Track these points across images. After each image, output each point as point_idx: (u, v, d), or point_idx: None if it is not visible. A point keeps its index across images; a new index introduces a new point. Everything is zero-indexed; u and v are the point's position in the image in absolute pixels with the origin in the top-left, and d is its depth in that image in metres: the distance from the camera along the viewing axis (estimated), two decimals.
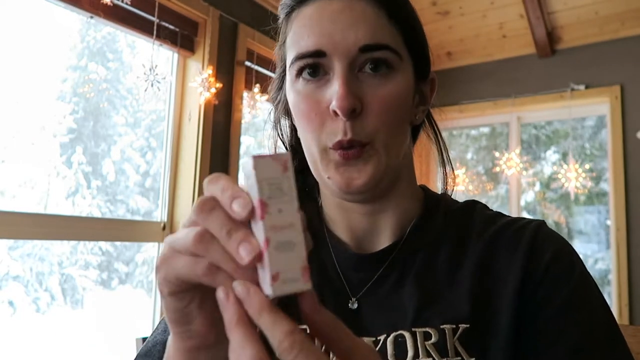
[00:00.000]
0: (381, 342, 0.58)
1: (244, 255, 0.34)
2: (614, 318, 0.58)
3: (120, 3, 2.08)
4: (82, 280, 2.99)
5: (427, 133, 0.73)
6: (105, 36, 2.97)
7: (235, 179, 2.66)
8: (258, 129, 3.78)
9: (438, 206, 0.68)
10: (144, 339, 1.31)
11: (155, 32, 2.22)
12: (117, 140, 3.14)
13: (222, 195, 0.36)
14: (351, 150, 0.57)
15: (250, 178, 0.35)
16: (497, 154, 3.45)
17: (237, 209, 0.35)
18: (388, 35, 0.59)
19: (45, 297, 2.82)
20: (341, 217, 0.67)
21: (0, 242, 2.44)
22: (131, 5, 2.11)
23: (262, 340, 0.33)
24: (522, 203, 3.78)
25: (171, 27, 2.35)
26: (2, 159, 2.29)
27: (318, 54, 0.58)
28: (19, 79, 2.25)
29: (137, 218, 3.09)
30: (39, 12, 2.19)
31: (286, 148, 0.74)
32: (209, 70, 2.39)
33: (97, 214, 2.94)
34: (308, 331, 0.36)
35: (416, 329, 0.58)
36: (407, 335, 0.57)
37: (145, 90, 2.05)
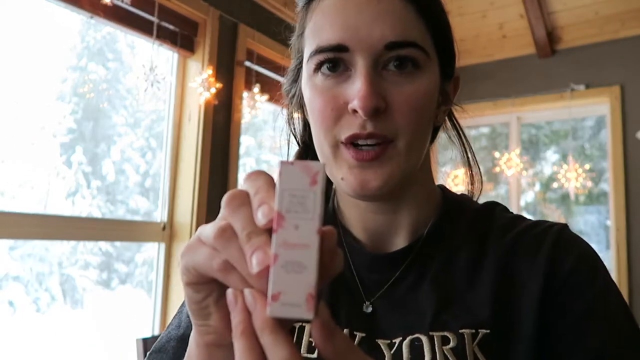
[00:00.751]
0: (396, 345, 0.57)
1: (254, 263, 0.32)
2: (637, 325, 0.56)
3: (120, 3, 2.08)
4: (82, 280, 2.99)
5: (448, 134, 0.70)
6: (105, 36, 2.97)
7: (235, 179, 2.64)
8: (258, 129, 3.78)
9: (457, 208, 0.66)
10: (144, 339, 1.31)
11: (155, 32, 2.23)
12: (117, 140, 3.14)
13: (254, 196, 0.35)
14: (367, 151, 0.54)
15: (276, 184, 0.33)
16: (497, 154, 3.45)
17: (260, 216, 0.33)
18: (416, 31, 0.55)
19: (45, 297, 2.82)
20: (356, 215, 0.65)
21: (0, 242, 2.44)
22: (131, 5, 2.11)
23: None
24: (522, 203, 3.78)
25: (171, 27, 2.35)
26: (2, 159, 2.29)
27: (340, 48, 0.54)
28: (18, 79, 2.25)
29: (137, 218, 3.09)
30: (39, 12, 2.19)
31: (298, 144, 0.71)
32: (209, 71, 2.39)
33: (97, 214, 2.94)
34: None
35: (434, 333, 0.56)
36: (424, 339, 0.56)
37: (145, 90, 2.05)
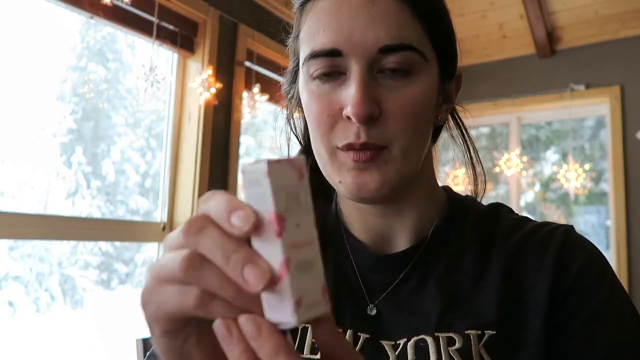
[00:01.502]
0: (401, 346, 0.56)
1: (253, 281, 0.29)
2: None
3: (120, 3, 2.08)
4: (82, 280, 2.99)
5: (450, 133, 0.69)
6: (105, 36, 2.97)
7: (235, 179, 2.63)
8: (258, 129, 3.78)
9: (462, 209, 0.65)
10: (144, 340, 1.31)
11: (155, 33, 2.23)
12: (117, 140, 3.14)
13: (216, 211, 0.31)
14: (364, 152, 0.54)
15: (258, 186, 0.30)
16: (497, 154, 3.45)
17: (238, 223, 0.29)
18: (412, 33, 0.54)
19: (45, 298, 2.82)
20: (358, 218, 0.65)
21: (0, 243, 2.44)
22: (131, 5, 2.11)
23: None
24: (522, 203, 3.78)
25: (171, 27, 2.35)
26: (2, 159, 2.29)
27: (334, 52, 0.54)
28: (18, 79, 2.25)
29: (137, 218, 3.09)
30: (39, 12, 2.19)
31: (300, 143, 0.71)
32: (209, 71, 2.39)
33: (97, 214, 2.94)
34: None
35: (439, 334, 0.55)
36: (429, 340, 0.55)
37: (145, 90, 2.05)
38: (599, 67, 3.25)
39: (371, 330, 0.59)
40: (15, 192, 2.43)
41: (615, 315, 0.55)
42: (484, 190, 0.70)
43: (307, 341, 0.59)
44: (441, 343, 0.55)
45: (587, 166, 3.17)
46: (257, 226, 0.30)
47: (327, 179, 0.60)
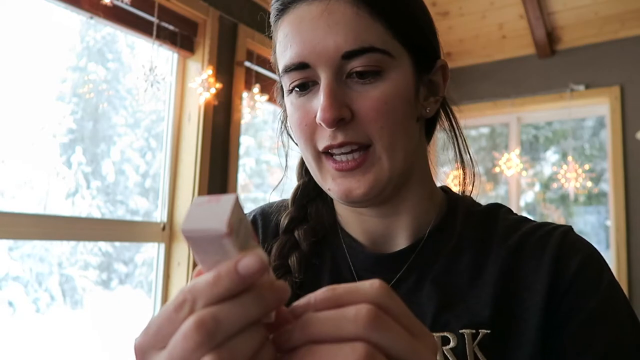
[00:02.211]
0: None
1: (245, 268, 0.31)
2: None
3: (120, 3, 2.08)
4: (81, 280, 2.99)
5: (444, 128, 0.69)
6: (105, 36, 2.97)
7: (235, 179, 2.62)
8: (258, 129, 3.78)
9: (460, 208, 0.65)
10: None
11: (155, 33, 2.22)
12: (117, 140, 3.14)
13: (200, 285, 0.31)
14: (347, 161, 0.56)
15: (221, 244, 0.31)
16: (496, 155, 3.45)
17: (247, 267, 0.31)
18: (373, 35, 0.55)
19: (45, 298, 2.82)
20: (354, 219, 0.66)
21: (0, 243, 2.44)
22: (131, 5, 2.11)
23: None
24: (522, 203, 3.78)
25: (171, 27, 2.35)
26: (2, 159, 2.29)
27: (302, 65, 0.56)
28: (18, 79, 2.25)
29: (137, 218, 3.09)
30: (38, 12, 2.19)
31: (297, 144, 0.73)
32: (209, 71, 2.39)
33: (96, 214, 2.94)
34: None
35: (434, 334, 0.56)
36: None
37: (145, 90, 2.05)
38: (598, 68, 3.25)
39: None
40: (15, 192, 2.43)
41: (612, 317, 0.55)
42: (471, 191, 0.70)
43: None
44: None
45: (587, 166, 3.17)
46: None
47: (319, 184, 0.61)
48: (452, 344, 0.55)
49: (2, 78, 2.14)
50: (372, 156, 0.56)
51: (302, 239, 0.65)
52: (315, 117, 0.56)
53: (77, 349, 2.77)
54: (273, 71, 0.65)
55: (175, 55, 2.48)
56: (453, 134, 0.68)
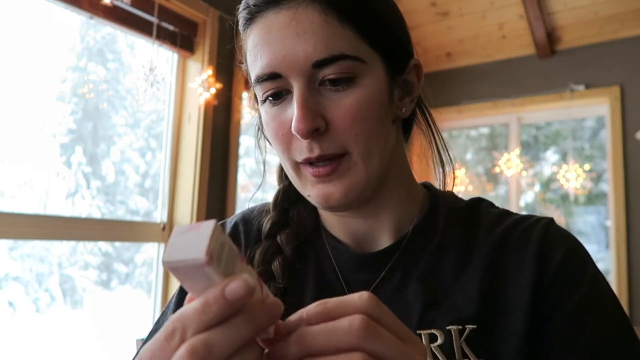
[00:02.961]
0: None
1: (232, 293, 0.31)
2: (627, 317, 0.57)
3: (120, 3, 2.08)
4: (81, 280, 2.99)
5: (421, 128, 0.68)
6: (104, 36, 2.97)
7: (234, 179, 2.62)
8: None
9: (442, 204, 0.66)
10: (144, 340, 1.31)
11: (154, 33, 2.23)
12: (117, 140, 3.14)
13: (194, 309, 0.32)
14: (323, 167, 0.55)
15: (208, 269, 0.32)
16: (496, 155, 3.45)
17: (234, 292, 0.31)
18: (342, 41, 0.54)
19: (45, 298, 2.82)
20: (336, 221, 0.66)
21: (0, 243, 2.44)
22: (131, 5, 2.11)
23: None
24: (522, 204, 3.78)
25: (171, 27, 2.35)
26: (2, 159, 2.29)
27: (273, 75, 0.55)
28: (18, 79, 2.25)
29: (137, 219, 3.09)
30: (38, 12, 2.19)
31: None
32: (209, 71, 2.39)
33: (96, 214, 2.94)
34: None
35: (421, 331, 0.56)
36: None
37: (145, 90, 2.05)
38: (598, 68, 3.25)
39: None
40: (15, 192, 2.43)
41: (597, 308, 0.56)
42: (453, 179, 0.69)
43: None
44: (423, 340, 0.55)
45: (586, 166, 3.17)
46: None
47: (299, 191, 0.61)
48: (439, 341, 0.55)
49: (2, 78, 2.14)
50: (348, 161, 0.56)
51: (285, 244, 0.65)
52: (289, 127, 0.55)
53: (77, 349, 2.77)
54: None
55: (175, 56, 2.49)
56: (430, 132, 0.68)
